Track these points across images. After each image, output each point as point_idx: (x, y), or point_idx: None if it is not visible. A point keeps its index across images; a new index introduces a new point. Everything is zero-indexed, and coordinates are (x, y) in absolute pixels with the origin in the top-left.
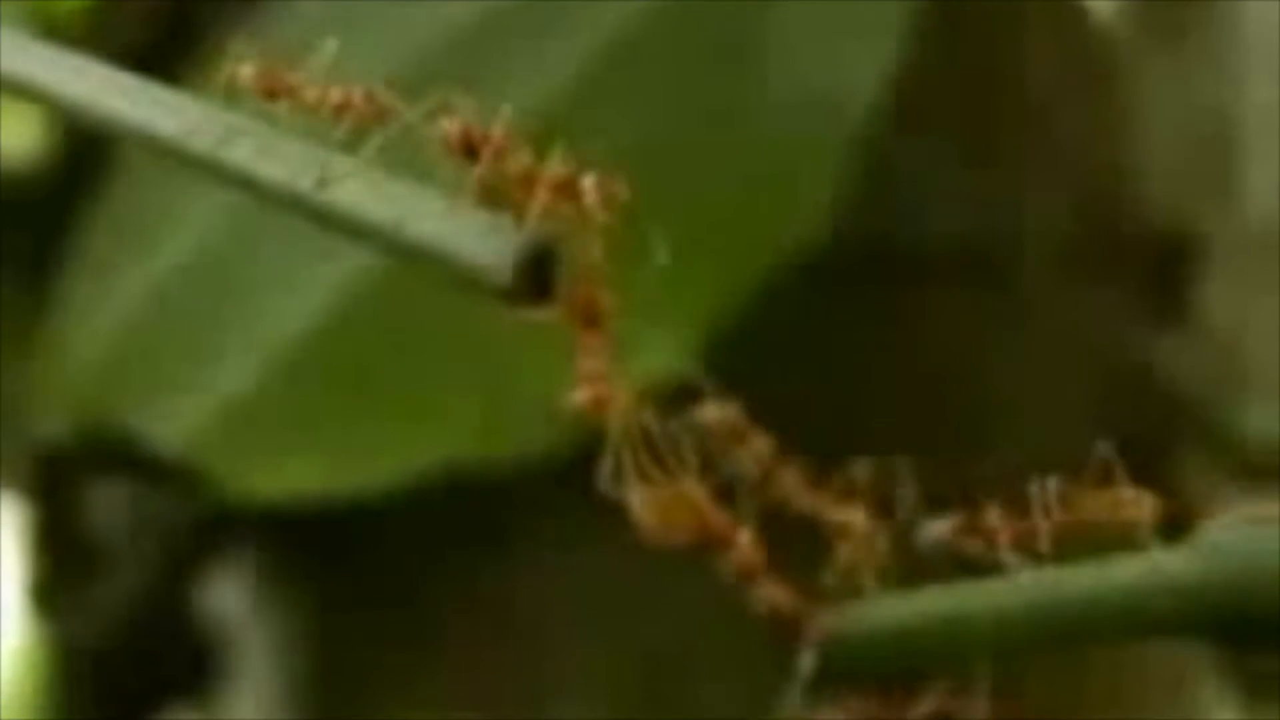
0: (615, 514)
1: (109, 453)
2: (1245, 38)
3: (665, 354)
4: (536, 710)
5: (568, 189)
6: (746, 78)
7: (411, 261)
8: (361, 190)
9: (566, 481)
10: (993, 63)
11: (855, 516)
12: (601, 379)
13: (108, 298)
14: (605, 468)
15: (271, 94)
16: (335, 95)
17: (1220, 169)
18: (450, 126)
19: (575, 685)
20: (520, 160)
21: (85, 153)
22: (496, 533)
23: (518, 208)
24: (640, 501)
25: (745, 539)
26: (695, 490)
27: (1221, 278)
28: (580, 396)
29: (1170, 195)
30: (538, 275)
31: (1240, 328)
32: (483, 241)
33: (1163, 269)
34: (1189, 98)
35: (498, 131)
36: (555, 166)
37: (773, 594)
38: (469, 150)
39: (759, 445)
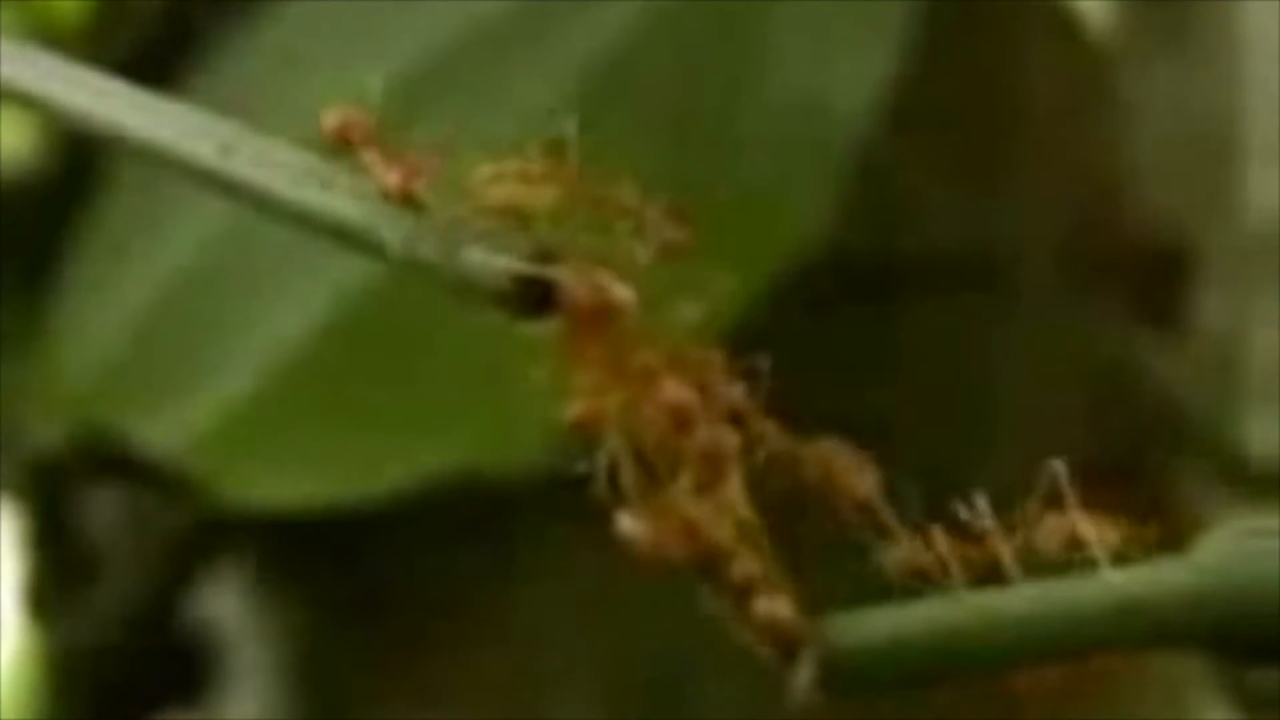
0: (611, 516)
1: (106, 458)
2: (1245, 40)
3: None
4: (534, 711)
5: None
6: (743, 83)
7: (411, 269)
8: (359, 199)
9: (564, 483)
10: (989, 68)
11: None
12: (600, 392)
13: (105, 303)
14: (601, 483)
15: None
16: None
17: (1219, 174)
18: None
19: (573, 686)
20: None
21: (83, 157)
22: (494, 534)
23: (519, 216)
24: (631, 520)
25: (745, 553)
26: (690, 505)
27: (1220, 285)
28: (577, 410)
29: (1168, 201)
30: (538, 285)
31: (1239, 335)
32: (483, 250)
33: (1161, 276)
34: (1187, 102)
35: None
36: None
37: (773, 607)
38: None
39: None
